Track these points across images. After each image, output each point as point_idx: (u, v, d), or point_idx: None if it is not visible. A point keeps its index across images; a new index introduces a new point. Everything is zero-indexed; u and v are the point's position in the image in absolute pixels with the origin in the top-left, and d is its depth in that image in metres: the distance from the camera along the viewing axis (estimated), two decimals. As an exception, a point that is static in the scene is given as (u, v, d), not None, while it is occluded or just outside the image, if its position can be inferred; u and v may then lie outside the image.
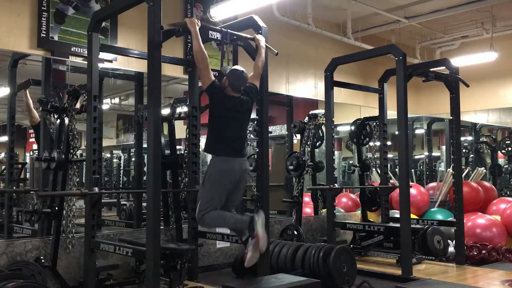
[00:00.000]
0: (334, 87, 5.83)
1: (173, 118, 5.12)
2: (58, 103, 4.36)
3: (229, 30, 4.11)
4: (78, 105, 4.34)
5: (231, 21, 4.73)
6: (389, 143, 6.41)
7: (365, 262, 5.59)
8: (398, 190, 5.21)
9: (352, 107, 7.88)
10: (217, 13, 5.66)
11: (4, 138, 5.24)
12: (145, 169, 5.68)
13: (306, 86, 7.20)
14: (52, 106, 4.33)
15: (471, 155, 9.60)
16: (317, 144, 6.69)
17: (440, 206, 7.56)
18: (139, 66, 5.21)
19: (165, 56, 4.32)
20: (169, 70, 5.43)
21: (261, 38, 4.18)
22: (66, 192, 4.22)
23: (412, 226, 5.06)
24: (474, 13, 7.15)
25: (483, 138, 9.88)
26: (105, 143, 7.22)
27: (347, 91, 7.14)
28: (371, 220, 6.60)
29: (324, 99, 5.93)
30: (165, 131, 5.27)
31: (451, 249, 5.87)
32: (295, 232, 5.96)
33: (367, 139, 6.59)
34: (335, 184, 5.60)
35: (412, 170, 9.23)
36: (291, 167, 6.28)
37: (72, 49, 4.77)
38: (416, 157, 10.01)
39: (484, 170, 8.53)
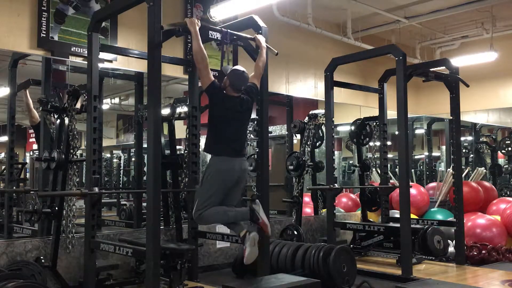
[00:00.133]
0: (334, 87, 5.83)
1: (173, 118, 5.12)
2: (58, 103, 4.36)
3: (229, 30, 4.11)
4: (78, 105, 4.34)
5: (231, 21, 4.73)
6: (389, 143, 6.41)
7: (365, 262, 5.59)
8: (398, 190, 5.21)
9: (352, 107, 7.88)
10: (217, 13, 5.66)
11: (4, 138, 5.24)
12: (145, 169, 5.68)
13: (306, 86, 7.20)
14: (52, 106, 4.33)
15: (471, 155, 9.60)
16: (317, 144, 6.69)
17: (440, 206, 7.56)
18: (139, 66, 5.21)
19: (165, 56, 4.32)
20: (169, 70, 5.43)
21: (262, 39, 4.18)
22: (66, 192, 4.22)
23: (412, 226, 5.06)
24: (474, 13, 7.15)
25: (483, 138, 9.88)
26: (105, 143, 7.22)
27: (347, 91, 7.14)
28: (371, 220, 6.60)
29: (324, 99, 5.93)
30: (165, 131, 5.27)
31: (451, 249, 5.87)
32: (295, 232, 5.96)
33: (367, 139, 6.60)
34: (335, 184, 5.60)
35: (412, 170, 9.23)
36: (291, 167, 6.28)
37: (72, 49, 4.77)
38: (416, 157, 10.01)
39: (484, 170, 8.53)
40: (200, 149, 4.81)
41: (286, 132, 7.41)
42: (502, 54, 7.60)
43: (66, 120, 4.33)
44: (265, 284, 3.70)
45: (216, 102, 3.93)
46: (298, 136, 6.84)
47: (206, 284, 4.47)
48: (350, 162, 9.93)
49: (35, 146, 7.10)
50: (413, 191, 6.78)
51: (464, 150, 9.24)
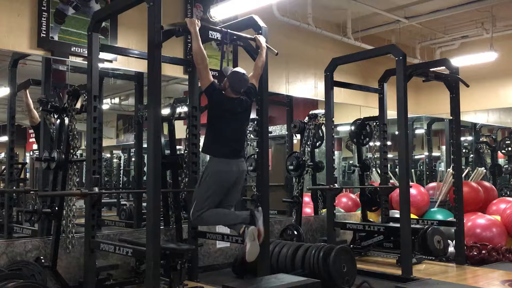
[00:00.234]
0: (334, 87, 5.83)
1: (173, 118, 5.12)
2: (58, 103, 4.36)
3: (229, 30, 4.11)
4: (78, 105, 4.34)
5: (231, 21, 4.73)
6: (389, 143, 6.41)
7: (365, 262, 5.59)
8: (398, 190, 5.21)
9: (352, 107, 7.88)
10: (217, 13, 5.67)
11: (4, 138, 5.24)
12: (145, 169, 5.68)
13: (306, 86, 7.20)
14: (52, 106, 4.33)
15: (471, 155, 9.60)
16: (317, 144, 6.69)
17: (440, 206, 7.56)
18: (139, 66, 5.21)
19: (165, 56, 4.32)
20: (169, 70, 5.43)
21: (262, 39, 4.18)
22: (66, 192, 4.22)
23: (412, 226, 5.06)
24: (474, 13, 7.15)
25: (483, 138, 9.88)
26: (105, 143, 7.21)
27: (347, 91, 7.14)
28: (371, 220, 6.59)
29: (324, 99, 5.93)
30: (165, 131, 5.27)
31: (451, 249, 5.86)
32: (295, 232, 5.96)
33: (367, 139, 6.60)
34: (335, 184, 5.60)
35: (412, 170, 9.22)
36: (291, 167, 6.28)
37: (72, 49, 4.77)
38: (416, 157, 10.01)
39: (484, 170, 8.53)
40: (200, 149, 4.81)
41: (286, 132, 7.41)
42: (502, 54, 7.61)
43: (66, 120, 4.33)
44: (265, 284, 3.70)
45: (215, 103, 3.93)
46: (298, 136, 6.84)
47: (206, 284, 4.47)
48: (350, 162, 9.92)
49: (35, 146, 7.10)
50: (413, 191, 6.77)
51: (464, 150, 9.24)
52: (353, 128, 6.61)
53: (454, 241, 5.72)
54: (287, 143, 7.31)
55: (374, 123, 6.43)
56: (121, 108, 7.47)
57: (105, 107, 6.65)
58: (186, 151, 4.97)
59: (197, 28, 3.80)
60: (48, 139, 4.79)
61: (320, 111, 6.45)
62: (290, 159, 6.33)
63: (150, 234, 3.32)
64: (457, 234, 5.57)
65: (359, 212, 6.85)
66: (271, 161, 5.66)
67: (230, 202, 4.06)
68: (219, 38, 4.07)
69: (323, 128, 6.49)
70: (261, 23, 4.28)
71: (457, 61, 6.76)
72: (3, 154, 7.08)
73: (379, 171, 6.79)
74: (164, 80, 5.44)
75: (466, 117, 8.51)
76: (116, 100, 7.40)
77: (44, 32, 4.60)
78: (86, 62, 4.20)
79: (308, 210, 7.15)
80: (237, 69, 4.01)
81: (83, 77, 4.34)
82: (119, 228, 6.07)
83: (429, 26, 7.74)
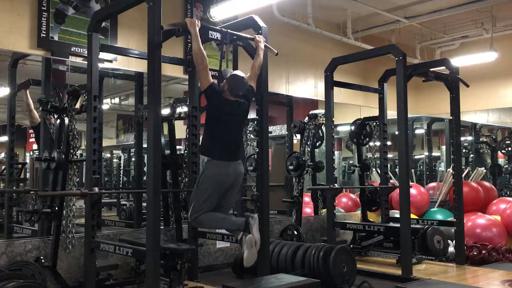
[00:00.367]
0: (334, 87, 5.83)
1: (173, 118, 5.12)
2: (58, 103, 4.36)
3: (229, 30, 4.12)
4: (78, 105, 4.34)
5: (231, 21, 4.73)
6: (389, 143, 6.41)
7: (365, 262, 5.59)
8: (398, 190, 5.21)
9: (352, 107, 7.88)
10: (217, 13, 5.66)
11: (4, 138, 5.24)
12: (145, 169, 5.68)
13: (306, 86, 7.20)
14: (52, 106, 4.32)
15: (471, 155, 9.60)
16: (317, 144, 6.69)
17: (440, 206, 7.56)
18: (139, 66, 5.21)
19: (165, 56, 4.31)
20: (169, 70, 5.43)
21: (260, 40, 4.17)
22: (66, 192, 4.22)
23: (412, 226, 5.06)
24: (474, 13, 7.15)
25: (483, 138, 9.88)
26: (105, 143, 7.21)
27: (347, 91, 7.14)
28: (371, 220, 6.60)
29: (324, 99, 5.92)
30: (165, 131, 5.27)
31: (451, 249, 5.87)
32: (295, 232, 5.96)
33: (367, 139, 6.59)
34: (335, 184, 5.60)
35: (412, 170, 9.23)
36: (291, 167, 6.28)
37: (72, 49, 4.77)
38: (416, 157, 10.01)
39: (484, 170, 8.53)
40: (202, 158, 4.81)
41: (286, 132, 7.40)
42: (502, 54, 7.60)
43: (66, 120, 4.33)
44: (265, 284, 3.70)
45: (214, 104, 3.94)
46: (298, 136, 6.83)
47: (206, 284, 4.47)
48: (350, 162, 9.92)
49: (35, 146, 7.10)
50: (413, 191, 6.78)
51: (464, 150, 9.24)
52: (353, 128, 6.61)
53: (454, 241, 5.72)
54: (287, 143, 7.31)
55: (374, 123, 6.42)
56: (121, 108, 7.47)
57: (105, 107, 6.65)
58: (186, 151, 4.97)
59: (197, 29, 3.80)
60: (48, 139, 4.79)
61: (320, 111, 6.44)
62: (290, 159, 6.33)
63: (150, 234, 3.32)
64: (457, 234, 5.57)
65: (359, 212, 6.85)
66: (271, 161, 5.66)
67: (227, 204, 4.08)
68: (219, 38, 4.07)
69: (323, 128, 6.48)
70: (261, 23, 4.28)
71: (457, 61, 6.75)
72: (3, 154, 7.08)
73: (379, 171, 6.79)
74: (164, 80, 5.43)
75: (466, 117, 8.51)
76: (116, 100, 7.40)
77: (44, 32, 4.60)
78: (86, 62, 4.20)
79: (308, 210, 7.15)
80: (236, 72, 4.01)
81: (83, 77, 4.34)
82: (119, 228, 6.08)
83: (429, 26, 7.73)
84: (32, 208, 4.30)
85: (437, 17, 7.10)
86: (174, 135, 5.17)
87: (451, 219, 6.37)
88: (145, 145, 5.62)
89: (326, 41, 7.13)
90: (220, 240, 4.60)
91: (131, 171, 8.22)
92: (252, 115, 4.18)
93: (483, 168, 8.69)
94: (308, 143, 6.45)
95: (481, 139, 9.85)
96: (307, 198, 7.05)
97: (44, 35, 4.60)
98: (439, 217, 6.97)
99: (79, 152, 4.38)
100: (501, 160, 9.54)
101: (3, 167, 6.15)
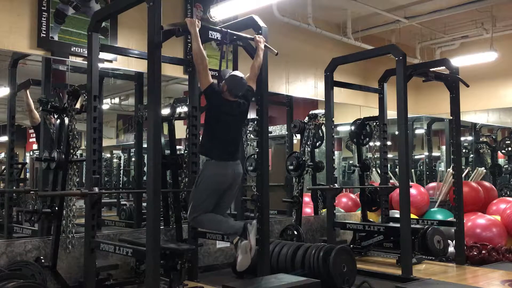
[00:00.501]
0: (334, 87, 5.83)
1: (173, 118, 5.12)
2: (58, 103, 4.36)
3: (229, 30, 4.11)
4: (78, 105, 4.34)
5: (231, 21, 4.73)
6: (389, 143, 6.41)
7: (365, 262, 5.59)
8: (398, 190, 5.21)
9: (352, 107, 7.88)
10: (217, 13, 5.66)
11: (4, 138, 5.24)
12: (145, 169, 5.68)
13: (306, 86, 7.20)
14: (52, 106, 4.32)
15: (471, 155, 9.60)
16: (317, 144, 6.69)
17: (440, 206, 7.56)
18: (139, 66, 5.21)
19: (165, 56, 4.32)
20: (169, 70, 5.43)
21: (260, 40, 4.17)
22: (66, 192, 4.22)
23: (412, 226, 5.06)
24: (474, 13, 7.15)
25: (483, 138, 9.88)
26: (105, 143, 7.21)
27: (347, 91, 7.14)
28: (371, 220, 6.60)
29: (324, 99, 5.92)
30: (165, 131, 5.27)
31: (451, 249, 5.87)
32: (295, 232, 5.96)
33: (367, 139, 6.59)
34: (335, 184, 5.60)
35: (412, 170, 9.23)
36: (291, 167, 6.28)
37: (72, 49, 4.77)
38: (416, 157, 10.01)
39: (484, 170, 8.53)
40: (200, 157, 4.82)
41: (286, 132, 7.40)
42: (502, 54, 7.60)
43: (66, 120, 4.33)
44: (265, 284, 3.70)
45: (213, 104, 3.94)
46: (298, 136, 6.83)
47: (206, 284, 4.47)
48: (350, 162, 9.92)
49: (35, 146, 7.10)
50: (413, 191, 6.78)
51: (464, 150, 9.24)
52: (353, 128, 6.61)
53: (454, 241, 5.71)
54: (287, 143, 7.31)
55: (374, 123, 6.42)
56: (121, 108, 7.47)
57: (105, 107, 6.65)
58: (186, 151, 4.97)
59: (197, 29, 3.80)
60: (48, 139, 4.79)
61: (320, 111, 6.44)
62: (290, 159, 6.33)
63: (150, 234, 3.32)
64: (457, 234, 5.57)
65: (359, 212, 6.85)
66: (271, 161, 5.66)
67: (226, 205, 4.10)
68: (219, 38, 4.07)
69: (323, 128, 6.49)
70: (261, 23, 4.27)
71: (457, 61, 6.75)
72: (3, 154, 7.08)
73: (379, 171, 6.79)
74: (164, 80, 5.44)
75: (466, 117, 8.51)
76: (116, 100, 7.40)
77: (44, 32, 4.60)
78: (86, 62, 4.20)
79: (308, 210, 7.15)
80: (235, 72, 4.01)
81: (83, 77, 4.34)
82: (119, 228, 6.08)
83: (429, 26, 7.73)
84: (32, 208, 4.30)
85: (437, 17, 7.10)
86: (174, 135, 5.17)
87: (451, 219, 6.37)
88: (145, 145, 5.62)
89: (326, 41, 7.13)
90: (220, 240, 4.60)
91: (131, 171, 8.23)
92: (252, 115, 4.18)
93: (483, 168, 8.69)
94: (308, 143, 6.45)
95: (481, 139, 9.85)
96: (307, 198, 7.05)
97: (44, 35, 4.60)
98: (439, 217, 6.97)
99: (79, 152, 4.38)
100: (501, 160, 9.54)
101: (3, 167, 6.15)
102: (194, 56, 3.84)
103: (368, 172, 6.54)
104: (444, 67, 5.91)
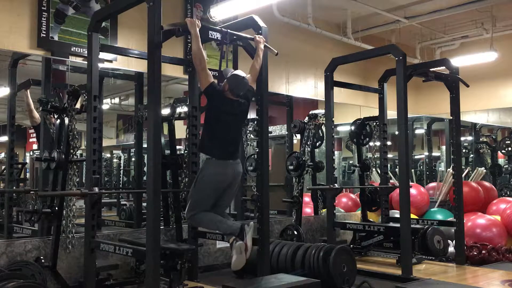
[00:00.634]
0: (334, 87, 5.83)
1: (173, 118, 5.12)
2: (58, 103, 4.36)
3: (229, 30, 4.11)
4: (78, 105, 4.34)
5: (231, 21, 4.73)
6: (389, 143, 6.41)
7: (365, 262, 5.59)
8: (398, 190, 5.21)
9: (352, 107, 7.88)
10: (217, 13, 5.66)
11: (4, 138, 5.24)
12: (145, 169, 5.68)
13: (306, 86, 7.20)
14: (52, 106, 4.32)
15: (471, 155, 9.60)
16: (317, 144, 6.69)
17: (440, 206, 7.56)
18: (139, 66, 5.21)
19: (165, 56, 4.31)
20: (169, 70, 5.43)
21: (260, 40, 4.17)
22: (66, 192, 4.22)
23: (412, 226, 5.06)
24: (474, 13, 7.15)
25: (483, 138, 9.88)
26: (105, 143, 7.21)
27: (347, 91, 7.14)
28: (371, 220, 6.60)
29: (324, 99, 5.92)
30: (165, 131, 5.27)
31: (451, 249, 5.86)
32: (295, 232, 5.96)
33: (367, 139, 6.59)
34: (335, 184, 5.60)
35: (412, 170, 9.23)
36: (291, 167, 6.28)
37: (72, 49, 4.77)
38: (416, 157, 10.01)
39: (484, 170, 8.53)
40: (200, 155, 4.81)
41: (286, 132, 7.40)
42: (502, 54, 7.60)
43: (66, 120, 4.33)
44: (265, 284, 3.70)
45: (214, 103, 3.94)
46: (298, 136, 6.83)
47: (206, 284, 4.47)
48: (350, 162, 9.92)
49: (35, 146, 7.11)
50: (413, 191, 6.78)
51: (464, 150, 9.24)
52: (353, 128, 6.61)
53: (454, 241, 5.71)
54: (287, 143, 7.30)
55: (374, 123, 6.42)
56: (121, 108, 7.47)
57: (105, 107, 6.65)
58: (186, 151, 4.97)
59: (198, 29, 3.80)
60: (48, 139, 4.79)
61: (320, 111, 6.44)
62: (290, 159, 6.33)
63: (150, 234, 3.32)
64: (457, 234, 5.57)
65: (359, 212, 6.85)
66: (271, 161, 5.66)
67: (225, 203, 4.11)
68: (219, 38, 4.07)
69: (323, 128, 6.49)
70: (261, 23, 4.27)
71: (457, 61, 6.75)
72: (3, 154, 7.08)
73: (379, 171, 6.79)
74: (164, 80, 5.44)
75: (466, 117, 8.51)
76: (116, 100, 7.40)
77: (44, 32, 4.60)
78: (86, 62, 4.20)
79: (308, 210, 7.15)
80: (237, 72, 4.01)
81: (83, 77, 4.34)
82: (119, 228, 6.08)
83: (429, 26, 7.73)
84: (32, 208, 4.29)
85: (437, 17, 7.10)
86: (174, 135, 5.17)
87: (451, 219, 6.37)
88: (145, 145, 5.62)
89: (326, 41, 7.13)
90: (220, 240, 4.60)
91: (131, 171, 8.23)
92: (252, 115, 4.18)
93: (483, 168, 8.69)
94: (308, 143, 6.45)
95: (481, 139, 9.85)
96: (307, 198, 7.05)
97: (44, 35, 4.60)
98: (439, 217, 6.97)
99: (79, 152, 4.38)
100: (501, 160, 9.54)
101: (3, 167, 6.15)
102: (193, 56, 3.84)
103: (368, 172, 6.54)
104: (444, 67, 5.91)
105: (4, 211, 5.01)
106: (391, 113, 5.87)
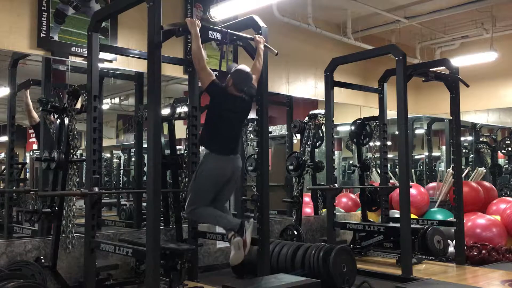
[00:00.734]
0: (334, 87, 5.83)
1: (173, 118, 5.12)
2: (58, 103, 4.36)
3: (229, 30, 4.11)
4: (78, 105, 4.34)
5: (231, 21, 4.73)
6: (389, 143, 6.41)
7: (365, 262, 5.59)
8: (398, 190, 5.21)
9: (352, 107, 7.88)
10: (217, 13, 5.66)
11: (4, 138, 5.24)
12: (145, 169, 5.68)
13: (306, 86, 7.20)
14: (52, 106, 4.32)
15: (471, 155, 9.60)
16: (317, 144, 6.69)
17: (440, 206, 7.56)
18: (139, 66, 5.21)
19: (165, 56, 4.31)
20: (169, 70, 5.43)
21: (260, 40, 4.17)
22: (66, 192, 4.22)
23: (412, 226, 5.06)
24: (474, 13, 7.15)
25: (483, 138, 9.88)
26: (105, 143, 7.21)
27: (347, 91, 7.14)
28: (371, 220, 6.60)
29: (324, 99, 5.92)
30: (165, 131, 5.27)
31: (451, 249, 5.86)
32: (295, 232, 5.97)
33: (367, 139, 6.59)
34: (335, 184, 5.60)
35: (412, 170, 9.23)
36: (291, 167, 6.28)
37: (72, 49, 4.77)
38: (416, 157, 10.01)
39: (484, 170, 8.53)
40: (200, 148, 4.81)
41: (286, 132, 7.40)
42: (502, 54, 7.60)
43: (66, 120, 4.33)
44: (265, 284, 3.70)
45: (217, 101, 3.95)
46: (298, 136, 6.83)
47: (206, 284, 4.47)
48: (350, 162, 9.92)
49: (35, 146, 7.11)
50: (413, 191, 6.78)
51: (464, 150, 9.24)
52: (353, 128, 6.61)
53: (454, 241, 5.71)
54: (287, 143, 7.31)
55: (374, 123, 6.42)
56: (121, 108, 7.47)
57: (105, 107, 6.65)
58: (186, 151, 4.97)
59: (198, 29, 3.80)
60: (48, 139, 4.79)
61: (320, 111, 6.44)
62: (290, 159, 6.33)
63: (150, 234, 3.32)
64: (457, 234, 5.57)
65: (359, 212, 6.85)
66: (271, 161, 5.66)
67: (224, 198, 4.12)
68: (219, 38, 4.07)
69: (323, 128, 6.49)
70: (261, 23, 4.28)
71: (457, 61, 6.75)
72: (3, 154, 7.08)
73: (379, 171, 6.79)
74: (164, 80, 5.44)
75: (466, 117, 8.51)
76: (116, 100, 7.40)
77: (44, 32, 4.60)
78: (86, 62, 4.20)
79: (308, 210, 7.15)
80: (240, 66, 4.01)
81: (83, 77, 4.34)
82: (119, 228, 6.08)
83: (429, 26, 7.73)
84: (32, 208, 4.29)
85: (437, 17, 7.10)
86: (174, 135, 5.17)
87: (451, 219, 6.37)
88: (145, 145, 5.62)
89: (326, 41, 7.13)
90: (220, 240, 4.61)
91: (131, 171, 8.23)
92: (252, 115, 4.18)
93: (483, 168, 8.68)
94: (308, 143, 6.45)
95: (481, 139, 9.85)
96: (307, 198, 7.05)
97: (44, 35, 4.60)
98: (439, 217, 6.97)
99: (79, 152, 4.38)
100: (501, 160, 9.54)
101: (3, 167, 6.15)
102: (192, 56, 3.85)
103: (368, 172, 6.54)
104: (444, 67, 5.91)
105: (4, 211, 5.01)
106: (391, 113, 5.87)
